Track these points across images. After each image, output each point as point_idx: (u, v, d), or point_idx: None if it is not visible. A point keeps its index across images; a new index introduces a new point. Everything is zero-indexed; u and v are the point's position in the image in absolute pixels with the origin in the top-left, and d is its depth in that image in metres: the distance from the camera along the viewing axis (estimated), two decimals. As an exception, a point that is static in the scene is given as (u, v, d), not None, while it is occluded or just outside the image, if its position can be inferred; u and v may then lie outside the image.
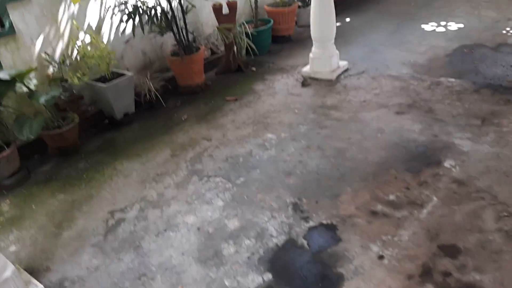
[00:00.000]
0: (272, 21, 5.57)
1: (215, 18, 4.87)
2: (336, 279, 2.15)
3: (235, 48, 4.95)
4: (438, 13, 5.99)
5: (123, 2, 4.05)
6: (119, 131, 4.09)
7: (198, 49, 4.62)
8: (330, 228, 2.48)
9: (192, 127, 3.94)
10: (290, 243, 2.42)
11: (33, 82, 3.44)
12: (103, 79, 4.04)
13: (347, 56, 4.83)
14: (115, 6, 4.22)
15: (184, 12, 4.37)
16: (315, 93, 4.25)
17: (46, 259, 2.57)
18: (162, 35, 4.48)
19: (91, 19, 4.14)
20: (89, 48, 3.99)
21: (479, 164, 2.82)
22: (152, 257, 2.45)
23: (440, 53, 4.69)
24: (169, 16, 4.27)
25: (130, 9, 4.02)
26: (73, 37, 3.98)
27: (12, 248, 2.70)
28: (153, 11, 4.12)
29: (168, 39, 4.84)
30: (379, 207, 2.57)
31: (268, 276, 2.23)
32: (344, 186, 2.81)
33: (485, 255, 2.15)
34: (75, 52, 4.01)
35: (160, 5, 4.25)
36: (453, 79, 4.04)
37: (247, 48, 4.84)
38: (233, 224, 2.63)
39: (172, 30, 4.34)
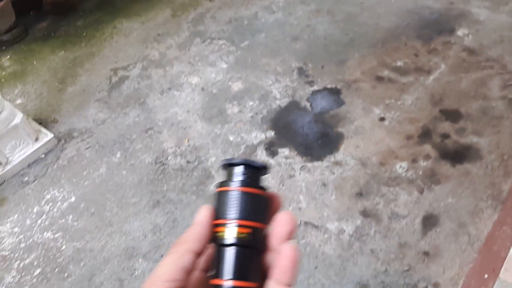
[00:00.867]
0: None
1: None
2: (336, 137, 2.21)
3: None
4: None
5: None
6: (117, -11, 3.86)
7: None
8: (334, 92, 2.49)
9: (195, -13, 3.71)
10: (293, 105, 2.44)
11: None
12: None
13: None
14: None
15: None
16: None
17: (53, 112, 2.61)
18: None
19: None
20: None
21: (493, 34, 2.72)
22: (158, 113, 2.49)
23: None
24: None
25: None
26: None
27: (19, 101, 2.73)
28: None
29: None
30: (386, 73, 2.54)
31: (271, 134, 2.29)
32: (351, 52, 2.75)
33: (485, 120, 2.19)
34: None
35: None
36: None
37: None
38: (237, 86, 2.63)
39: None
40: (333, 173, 2.08)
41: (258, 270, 0.39)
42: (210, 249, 0.40)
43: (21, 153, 2.26)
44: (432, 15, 2.95)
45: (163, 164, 2.22)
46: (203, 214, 0.40)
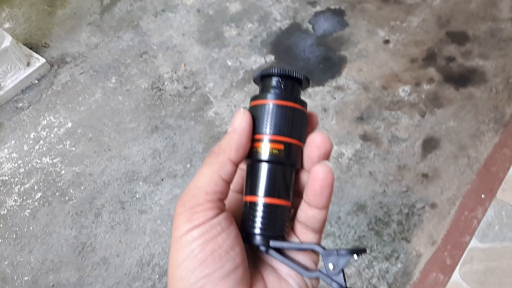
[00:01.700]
0: None
1: None
2: (338, 61, 2.14)
3: None
4: None
5: None
6: None
7: None
8: (338, 13, 2.37)
9: None
10: (295, 27, 2.34)
11: None
12: None
13: None
14: None
15: None
16: None
17: (43, 36, 2.50)
18: None
19: None
20: None
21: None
22: (152, 37, 2.40)
23: None
24: None
25: None
26: None
27: (7, 25, 2.61)
28: None
29: None
30: (391, -7, 2.41)
31: (271, 58, 2.22)
32: (355, -29, 2.59)
33: (492, 43, 2.11)
34: None
35: None
36: None
37: None
38: (234, 7, 2.50)
39: None
40: (334, 98, 2.03)
41: (291, 188, 0.37)
42: (242, 165, 0.38)
43: (13, 78, 2.20)
44: None
45: (160, 90, 2.17)
46: (241, 120, 0.36)
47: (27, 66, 2.25)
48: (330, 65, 2.13)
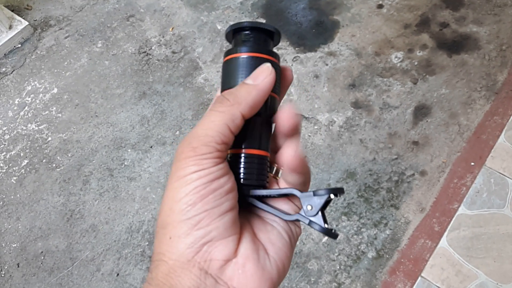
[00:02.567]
0: None
1: None
2: (331, 25, 2.09)
3: None
4: None
5: None
6: None
7: None
8: (330, -24, 2.30)
9: None
10: (286, -9, 2.27)
11: None
12: None
13: None
14: None
15: None
16: None
17: (25, -3, 2.40)
18: None
19: None
20: None
21: None
22: (139, -1, 2.31)
23: None
24: None
25: None
26: None
27: (-14, -15, 2.49)
28: None
29: None
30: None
31: (261, 20, 2.15)
32: None
33: (487, 8, 2.07)
34: None
35: None
36: None
37: None
38: (225, -31, 2.41)
39: None
40: (326, 64, 2.00)
41: (269, 138, 0.38)
42: None
43: (-6, 41, 2.12)
44: None
45: (147, 55, 2.11)
46: (265, 77, 0.35)
47: (9, 29, 2.16)
48: (322, 30, 2.08)
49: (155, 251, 0.34)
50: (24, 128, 1.95)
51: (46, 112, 1.99)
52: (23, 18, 2.24)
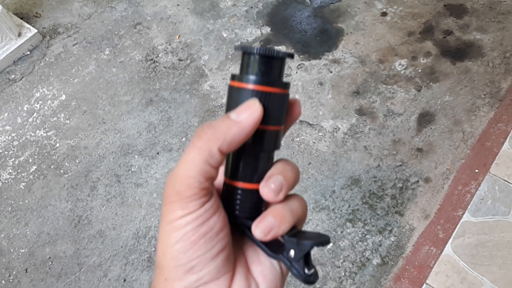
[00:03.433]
0: None
1: None
2: (335, 33, 2.11)
3: None
4: None
5: None
6: None
7: None
8: (335, -16, 2.32)
9: None
10: (291, -2, 2.29)
11: None
12: None
13: None
14: None
15: None
16: None
17: (34, 5, 2.44)
18: None
19: None
20: None
21: None
22: (146, 7, 2.34)
23: None
24: None
25: None
26: None
27: (-5, -7, 2.54)
28: None
29: None
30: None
31: (267, 30, 2.18)
32: None
33: (491, 16, 2.09)
34: None
35: None
36: None
37: None
38: (230, -23, 2.44)
39: None
40: (331, 72, 2.02)
41: (268, 171, 0.36)
42: None
43: (4, 49, 2.15)
44: None
45: (154, 62, 2.14)
46: (250, 115, 0.33)
47: (19, 37, 2.20)
48: (327, 38, 2.10)
49: (153, 286, 0.35)
50: (33, 134, 1.98)
51: (55, 118, 2.01)
52: (32, 26, 2.27)
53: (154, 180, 1.81)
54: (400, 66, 1.98)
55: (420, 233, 1.59)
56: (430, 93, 1.90)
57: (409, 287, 1.49)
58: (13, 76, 2.16)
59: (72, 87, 2.10)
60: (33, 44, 2.24)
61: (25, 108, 2.06)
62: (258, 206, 0.37)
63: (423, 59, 1.99)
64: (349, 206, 1.68)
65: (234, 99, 0.35)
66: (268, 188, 0.34)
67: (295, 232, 0.36)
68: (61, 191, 1.82)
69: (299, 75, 2.02)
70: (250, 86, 0.34)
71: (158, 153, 1.87)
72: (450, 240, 1.54)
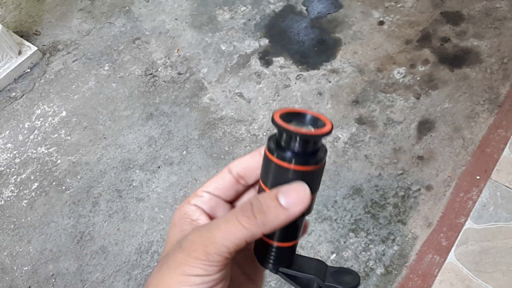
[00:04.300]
0: None
1: None
2: (333, 43, 2.13)
3: None
4: None
5: None
6: None
7: None
8: (331, -6, 2.34)
9: None
10: (288, 9, 2.31)
11: None
12: None
13: None
14: None
15: None
16: None
17: (34, 23, 2.46)
18: None
19: None
20: None
21: None
22: (144, 22, 2.36)
23: None
24: None
25: None
26: None
27: (-5, 12, 2.56)
28: None
29: None
30: (386, -27, 2.38)
31: (265, 41, 2.19)
32: (349, -50, 2.55)
33: (487, 22, 2.10)
34: None
35: None
36: None
37: None
38: (227, -10, 2.47)
39: None
40: (330, 82, 2.02)
41: (300, 229, 0.38)
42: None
43: (5, 67, 2.17)
44: None
45: (154, 76, 2.15)
46: (300, 203, 0.33)
47: (19, 55, 2.22)
48: (324, 48, 2.12)
49: None
50: (34, 151, 1.99)
51: (55, 135, 2.02)
52: (32, 43, 2.29)
53: (156, 194, 1.81)
54: (398, 74, 1.99)
55: (423, 242, 1.59)
56: (429, 100, 1.90)
57: (414, 296, 1.48)
58: (14, 94, 2.18)
59: (72, 103, 2.11)
60: (33, 61, 2.26)
61: (26, 126, 2.07)
62: (292, 255, 0.38)
63: (421, 67, 2.00)
64: (351, 216, 1.68)
65: (277, 175, 0.34)
66: None
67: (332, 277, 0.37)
68: (63, 208, 1.82)
69: (298, 86, 2.03)
70: (299, 167, 0.33)
71: (159, 167, 1.88)
72: (453, 248, 1.53)
